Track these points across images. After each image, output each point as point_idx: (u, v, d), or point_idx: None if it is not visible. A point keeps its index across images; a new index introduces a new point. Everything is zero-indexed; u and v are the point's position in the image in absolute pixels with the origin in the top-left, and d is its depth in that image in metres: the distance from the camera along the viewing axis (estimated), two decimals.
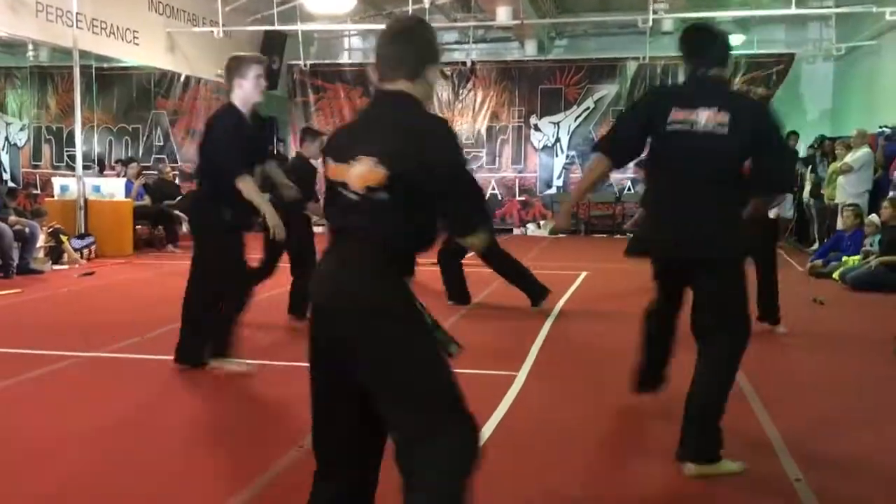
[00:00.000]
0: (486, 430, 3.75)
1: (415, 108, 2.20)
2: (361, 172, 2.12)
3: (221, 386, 4.63)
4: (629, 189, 15.38)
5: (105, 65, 14.32)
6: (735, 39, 14.53)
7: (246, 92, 4.53)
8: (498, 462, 3.38)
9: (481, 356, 5.29)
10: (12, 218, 9.36)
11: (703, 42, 3.49)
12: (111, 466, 3.35)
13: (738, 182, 3.37)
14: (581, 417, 4.07)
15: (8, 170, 16.64)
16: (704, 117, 3.27)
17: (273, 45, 15.41)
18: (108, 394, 4.48)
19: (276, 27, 13.75)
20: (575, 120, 15.53)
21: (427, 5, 12.98)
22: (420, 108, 2.21)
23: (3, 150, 16.71)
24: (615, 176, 15.31)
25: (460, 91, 15.91)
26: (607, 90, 15.33)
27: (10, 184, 16.11)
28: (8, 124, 16.67)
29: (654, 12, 12.34)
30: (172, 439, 3.73)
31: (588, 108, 15.43)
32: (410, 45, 2.24)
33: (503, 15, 13.28)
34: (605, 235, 14.98)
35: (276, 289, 6.69)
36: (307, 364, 2.27)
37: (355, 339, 2.11)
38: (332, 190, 2.25)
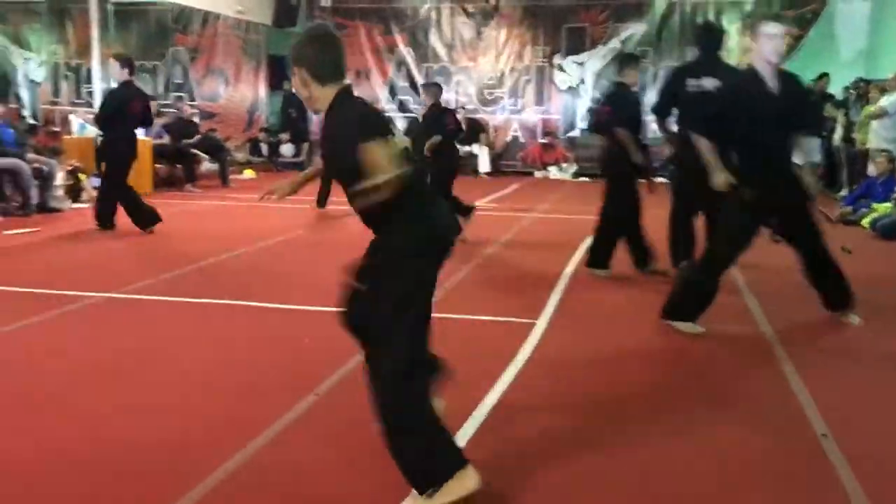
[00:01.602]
0: (506, 379, 3.69)
1: None
2: None
3: (239, 330, 4.59)
4: (655, 132, 15.04)
5: (123, 0, 14.08)
6: None
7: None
8: (516, 412, 3.32)
9: (501, 303, 5.22)
10: (31, 156, 9.32)
11: None
12: (124, 410, 3.32)
13: None
14: (600, 367, 4.00)
15: (28, 106, 16.57)
16: None
17: None
18: (123, 336, 4.45)
19: None
20: (600, 60, 15.14)
21: None
22: None
23: (22, 86, 16.61)
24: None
25: (482, 30, 15.54)
26: (634, 29, 14.91)
27: (30, 120, 16.08)
28: (26, 60, 16.53)
29: None
30: (187, 383, 3.69)
31: (614, 47, 15.03)
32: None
33: None
34: None
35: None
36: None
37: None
38: None
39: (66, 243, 7.53)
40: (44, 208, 8.99)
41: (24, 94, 16.58)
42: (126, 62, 7.86)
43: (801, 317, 4.94)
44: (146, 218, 7.81)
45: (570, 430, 3.21)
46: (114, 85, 8.14)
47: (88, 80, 14.70)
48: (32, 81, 16.57)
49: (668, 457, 2.97)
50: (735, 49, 14.53)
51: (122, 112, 7.69)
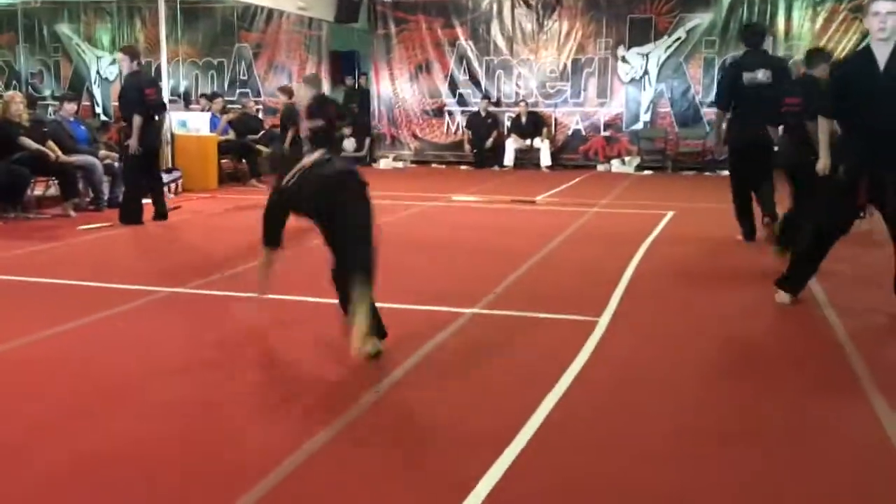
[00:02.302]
0: (565, 381, 3.63)
1: None
2: None
3: (302, 326, 4.63)
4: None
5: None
6: None
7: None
8: (576, 419, 3.27)
9: (562, 300, 5.16)
10: (102, 152, 9.59)
11: None
12: (188, 405, 3.38)
13: None
14: (665, 369, 3.90)
15: (100, 103, 17.08)
16: None
17: None
18: (188, 331, 4.54)
19: None
20: (665, 51, 14.85)
21: None
22: None
23: (94, 83, 17.11)
24: (708, 110, 14.70)
25: (545, 22, 15.38)
26: (700, 19, 14.56)
27: (103, 117, 16.57)
28: (99, 58, 17.03)
29: None
30: (250, 378, 3.74)
31: (679, 38, 14.71)
32: None
33: None
34: (693, 172, 14.44)
35: None
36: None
37: None
38: None
39: (135, 238, 7.73)
40: (115, 203, 9.24)
41: (97, 92, 17.09)
42: (133, 54, 8.29)
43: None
44: (132, 214, 8.13)
45: (630, 438, 3.11)
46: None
47: (158, 77, 15.04)
48: (105, 79, 17.06)
49: (734, 479, 2.88)
50: (804, 35, 14.10)
51: (141, 100, 8.04)
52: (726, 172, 12.87)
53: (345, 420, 3.18)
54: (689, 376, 3.79)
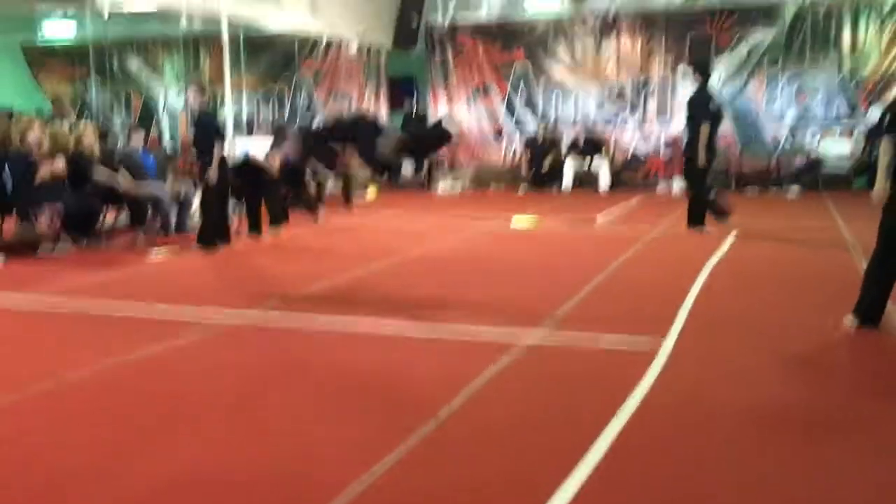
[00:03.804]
0: (625, 412, 3.52)
1: None
2: None
3: (363, 349, 4.66)
4: (786, 141, 14.42)
5: (253, 32, 14.72)
6: None
7: None
8: (635, 453, 3.20)
9: (623, 323, 5.09)
10: (170, 181, 9.86)
11: None
12: (247, 435, 3.42)
13: None
14: (731, 403, 3.79)
15: (168, 133, 17.60)
16: None
17: (412, 3, 15.38)
18: (243, 360, 4.60)
19: None
20: (727, 69, 14.63)
21: None
22: None
23: (162, 114, 17.66)
24: (771, 127, 14.44)
25: (603, 42, 15.32)
26: (763, 36, 14.33)
27: (170, 147, 17.07)
28: (166, 90, 17.58)
29: None
30: (307, 405, 3.76)
31: (741, 55, 14.49)
32: None
33: None
34: (757, 190, 14.15)
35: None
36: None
37: None
38: None
39: (202, 264, 7.90)
40: (182, 231, 9.48)
41: (165, 122, 17.63)
42: (203, 87, 8.87)
43: None
44: (210, 240, 8.45)
45: (691, 481, 3.01)
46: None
47: (222, 107, 15.43)
48: (172, 110, 17.59)
49: None
50: (871, 49, 13.75)
51: (218, 130, 8.55)
52: (793, 189, 12.52)
53: (400, 452, 3.17)
54: (754, 412, 3.68)
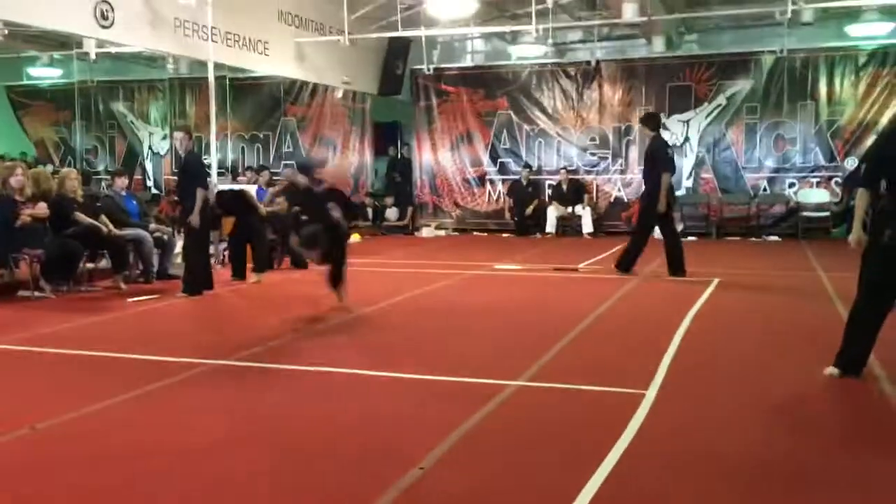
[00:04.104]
0: (611, 460, 3.53)
1: None
2: None
3: (342, 398, 4.63)
4: (765, 189, 14.63)
5: (239, 75, 14.86)
6: (881, 28, 13.54)
7: None
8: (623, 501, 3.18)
9: (605, 371, 5.09)
10: (152, 225, 9.83)
11: None
12: (227, 484, 3.37)
13: None
14: (714, 448, 3.80)
15: (151, 177, 17.60)
16: None
17: (397, 51, 15.61)
18: (228, 405, 4.56)
19: (400, 33, 13.87)
20: (706, 118, 14.89)
21: (550, 5, 12.74)
22: None
23: (146, 158, 17.67)
24: (750, 176, 14.66)
25: (584, 91, 15.56)
26: (741, 85, 14.62)
27: (154, 191, 17.06)
28: (151, 134, 17.62)
29: (794, 2, 11.58)
30: (288, 454, 3.72)
31: (720, 104, 14.76)
32: None
33: (629, 12, 12.85)
34: (738, 238, 14.30)
35: None
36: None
37: None
38: None
39: (184, 310, 7.85)
40: (164, 275, 9.42)
41: (149, 166, 17.64)
42: (190, 132, 8.96)
43: None
44: (194, 285, 8.39)
45: None
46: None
47: (208, 152, 15.51)
48: (156, 154, 17.62)
49: None
50: (847, 99, 14.04)
51: (203, 175, 8.64)
52: (772, 238, 12.76)
53: (389, 497, 3.14)
54: (738, 457, 3.68)
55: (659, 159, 9.34)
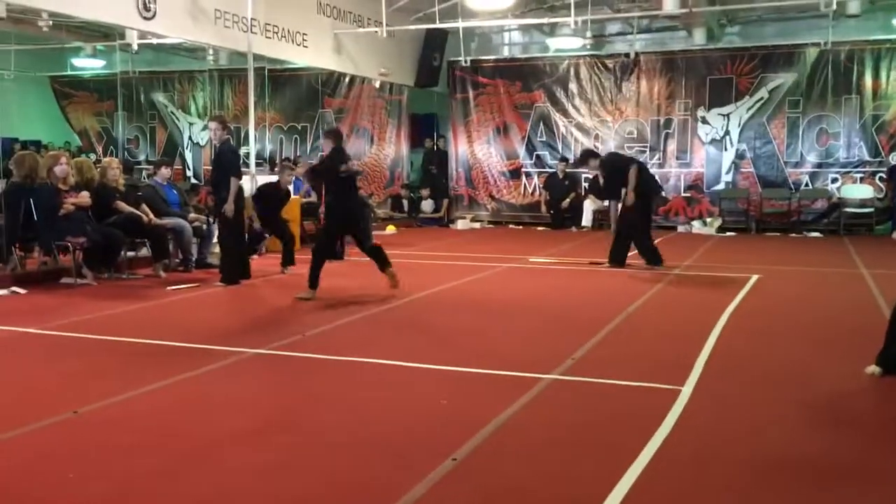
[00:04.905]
0: (646, 455, 3.51)
1: None
2: None
3: (376, 388, 4.65)
4: (807, 184, 14.38)
5: (277, 67, 14.97)
6: None
7: None
8: (657, 496, 3.16)
9: (640, 366, 5.05)
10: (192, 215, 9.96)
11: None
12: (261, 472, 3.41)
13: None
14: (749, 445, 3.75)
15: (191, 167, 17.84)
16: None
17: (434, 42, 15.59)
18: (265, 393, 4.61)
19: (438, 25, 13.86)
20: (747, 111, 14.67)
21: None
22: None
23: (186, 148, 17.91)
24: (792, 171, 14.43)
25: (623, 84, 15.42)
26: (783, 79, 14.37)
27: (193, 180, 17.28)
28: (191, 124, 17.85)
29: None
30: (321, 442, 3.75)
31: (762, 98, 14.53)
32: None
33: (670, 3, 12.67)
34: (778, 234, 14.08)
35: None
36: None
37: None
38: None
39: (222, 298, 7.95)
40: (202, 264, 9.55)
41: (189, 156, 17.87)
42: (225, 122, 8.92)
43: None
44: (233, 275, 8.50)
45: None
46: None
47: (247, 142, 15.65)
48: (196, 144, 17.84)
49: None
50: (893, 93, 13.74)
51: (237, 164, 8.64)
52: (813, 234, 12.62)
53: (423, 488, 3.15)
54: (775, 454, 3.64)
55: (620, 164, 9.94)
